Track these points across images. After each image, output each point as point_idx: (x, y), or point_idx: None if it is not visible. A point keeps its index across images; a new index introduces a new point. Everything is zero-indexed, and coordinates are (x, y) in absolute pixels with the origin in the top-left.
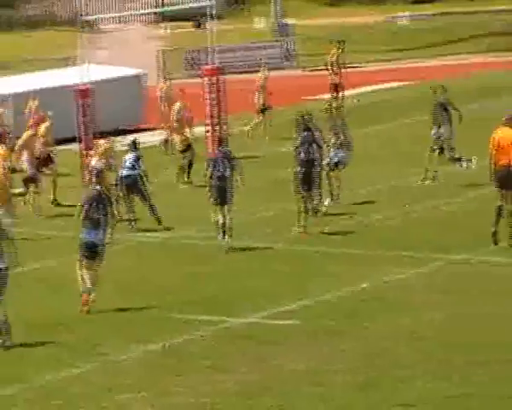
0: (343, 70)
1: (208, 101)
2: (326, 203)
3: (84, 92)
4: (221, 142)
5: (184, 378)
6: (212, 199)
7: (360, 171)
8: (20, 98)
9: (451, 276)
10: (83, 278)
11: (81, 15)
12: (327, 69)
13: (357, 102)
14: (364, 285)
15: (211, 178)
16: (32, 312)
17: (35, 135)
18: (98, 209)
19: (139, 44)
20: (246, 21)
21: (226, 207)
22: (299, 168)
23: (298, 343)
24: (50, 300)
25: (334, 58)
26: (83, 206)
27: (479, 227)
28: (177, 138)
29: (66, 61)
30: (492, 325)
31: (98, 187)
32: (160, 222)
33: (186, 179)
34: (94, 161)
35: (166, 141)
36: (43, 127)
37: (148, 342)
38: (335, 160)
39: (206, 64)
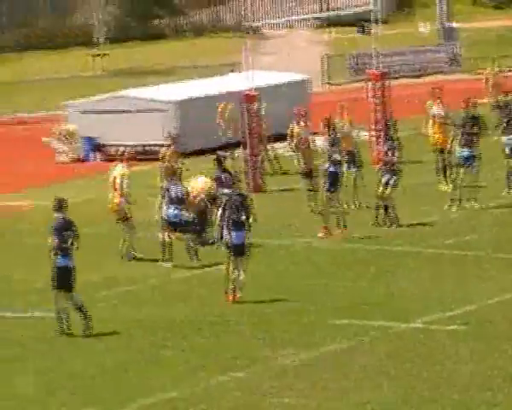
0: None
1: (373, 106)
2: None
3: (250, 98)
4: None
5: (349, 384)
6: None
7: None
8: (186, 105)
9: None
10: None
11: (247, 22)
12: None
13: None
14: None
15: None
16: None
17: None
18: None
19: (304, 50)
20: (410, 26)
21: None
22: None
23: (465, 348)
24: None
25: None
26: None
27: None
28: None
29: (232, 68)
30: None
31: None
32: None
33: None
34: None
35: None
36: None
37: (312, 347)
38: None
39: (371, 69)
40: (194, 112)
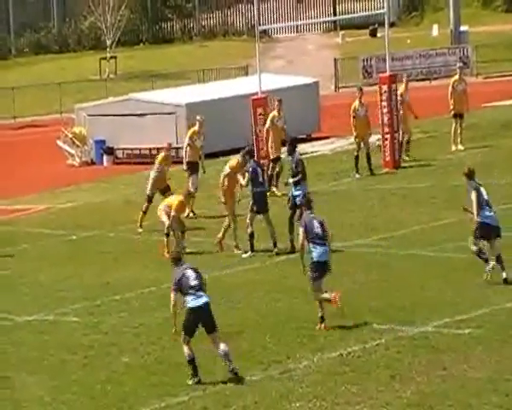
0: None
1: (383, 109)
2: None
3: (259, 101)
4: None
5: (361, 387)
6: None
7: None
8: (195, 108)
9: None
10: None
11: (258, 25)
12: None
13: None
14: None
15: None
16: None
17: None
18: None
19: (315, 53)
20: (420, 29)
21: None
22: None
23: (478, 352)
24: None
25: None
26: None
27: None
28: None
29: (242, 71)
30: None
31: None
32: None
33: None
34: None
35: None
36: None
37: (325, 351)
38: None
39: (381, 72)
40: (205, 115)
